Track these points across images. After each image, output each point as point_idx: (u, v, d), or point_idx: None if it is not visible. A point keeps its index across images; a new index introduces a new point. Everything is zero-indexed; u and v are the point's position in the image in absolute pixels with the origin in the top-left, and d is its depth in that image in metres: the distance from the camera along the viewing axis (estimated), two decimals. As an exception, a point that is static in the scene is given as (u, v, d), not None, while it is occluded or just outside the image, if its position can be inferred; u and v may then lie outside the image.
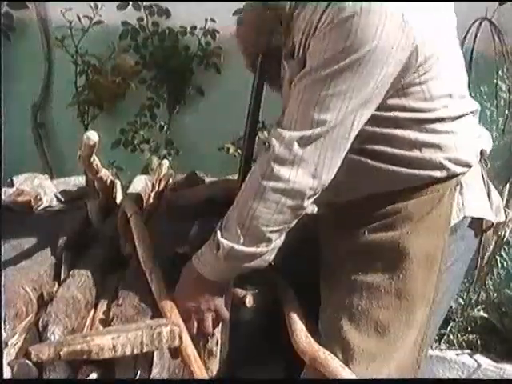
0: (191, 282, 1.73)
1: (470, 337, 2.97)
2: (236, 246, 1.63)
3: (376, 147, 1.68)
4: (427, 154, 1.68)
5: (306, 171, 1.58)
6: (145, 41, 3.89)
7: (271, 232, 1.63)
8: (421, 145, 1.68)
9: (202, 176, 2.56)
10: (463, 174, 1.73)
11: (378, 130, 1.66)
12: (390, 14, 1.51)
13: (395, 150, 1.68)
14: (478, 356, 2.93)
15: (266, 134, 3.57)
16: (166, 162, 2.84)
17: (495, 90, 3.05)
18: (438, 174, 1.70)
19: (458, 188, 1.73)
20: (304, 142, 1.57)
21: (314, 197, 1.62)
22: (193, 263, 1.72)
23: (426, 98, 1.65)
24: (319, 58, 1.56)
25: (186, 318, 1.71)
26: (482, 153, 1.81)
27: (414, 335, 1.73)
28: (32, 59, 4.15)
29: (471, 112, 1.78)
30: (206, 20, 3.73)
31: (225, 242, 1.64)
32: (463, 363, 2.91)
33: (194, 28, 3.80)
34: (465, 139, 1.73)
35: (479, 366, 2.89)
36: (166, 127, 3.93)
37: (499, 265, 2.90)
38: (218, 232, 1.66)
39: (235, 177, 2.05)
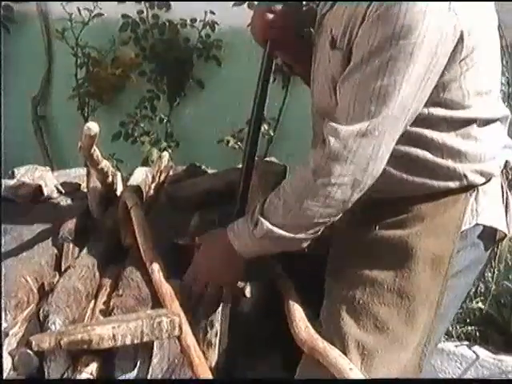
0: (219, 249, 1.74)
1: (469, 328, 2.97)
2: (276, 230, 1.63)
3: (402, 148, 1.65)
4: (451, 163, 1.67)
5: (358, 166, 1.56)
6: (145, 33, 3.90)
7: (315, 223, 1.62)
8: (447, 150, 1.66)
9: (202, 168, 2.56)
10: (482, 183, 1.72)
11: (408, 128, 1.62)
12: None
13: (420, 152, 1.66)
14: (476, 347, 2.92)
15: (266, 126, 3.58)
16: (166, 154, 2.85)
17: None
18: (456, 184, 1.68)
19: (474, 194, 1.71)
20: (360, 135, 1.54)
21: (362, 191, 1.60)
22: (226, 232, 1.72)
23: (464, 94, 1.63)
24: (369, 48, 1.53)
25: (199, 282, 1.76)
26: (505, 164, 1.78)
27: (417, 338, 1.72)
28: (32, 52, 4.15)
29: (501, 118, 1.76)
30: (206, 12, 3.74)
31: (265, 223, 1.63)
32: (462, 355, 2.91)
33: (193, 20, 3.80)
34: (491, 149, 1.71)
35: (477, 357, 2.89)
36: (166, 119, 3.95)
37: (498, 256, 2.90)
38: (259, 210, 1.66)
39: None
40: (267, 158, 2.82)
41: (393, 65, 1.51)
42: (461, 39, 1.54)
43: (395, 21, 1.49)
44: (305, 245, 1.68)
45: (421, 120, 1.63)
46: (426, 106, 1.61)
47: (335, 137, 1.56)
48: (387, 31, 1.50)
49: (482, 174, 1.70)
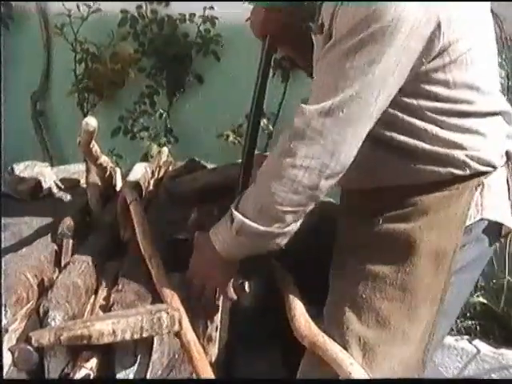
0: (204, 253, 1.73)
1: (469, 322, 2.97)
2: (248, 222, 1.61)
3: (398, 138, 1.65)
4: (448, 151, 1.65)
5: (324, 148, 1.54)
6: (144, 28, 3.90)
7: (285, 212, 1.59)
8: (441, 141, 1.64)
9: (202, 163, 2.56)
10: (486, 174, 1.70)
11: (400, 117, 1.63)
12: None
13: (417, 142, 1.64)
14: (476, 342, 2.93)
15: (265, 121, 3.58)
16: (165, 150, 2.85)
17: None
18: (459, 172, 1.67)
19: (479, 188, 1.69)
20: (323, 114, 1.53)
21: (332, 180, 1.58)
22: (209, 233, 1.70)
23: (450, 87, 1.61)
24: (344, 29, 1.53)
25: (195, 285, 1.76)
26: (508, 155, 1.76)
27: (419, 333, 1.70)
28: (31, 47, 4.15)
29: (500, 113, 1.74)
30: (205, 7, 3.73)
31: (238, 216, 1.62)
32: (462, 349, 2.91)
33: (193, 15, 3.80)
34: (490, 140, 1.70)
35: (478, 351, 2.90)
36: (165, 115, 3.94)
37: (498, 250, 2.90)
38: (235, 204, 1.65)
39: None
40: (267, 153, 2.81)
41: (363, 47, 1.50)
42: (438, 27, 1.53)
43: (369, 5, 1.49)
44: (282, 242, 1.65)
45: (412, 111, 1.63)
46: (414, 97, 1.61)
47: (299, 116, 1.55)
48: (361, 14, 1.50)
49: (480, 161, 1.68)
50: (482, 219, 1.72)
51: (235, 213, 1.63)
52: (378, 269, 1.69)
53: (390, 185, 1.71)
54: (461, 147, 1.66)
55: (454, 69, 1.60)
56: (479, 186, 1.70)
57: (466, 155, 1.66)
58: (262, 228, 1.61)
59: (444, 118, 1.64)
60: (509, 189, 1.79)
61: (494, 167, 1.71)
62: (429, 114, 1.63)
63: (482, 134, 1.68)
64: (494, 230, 1.76)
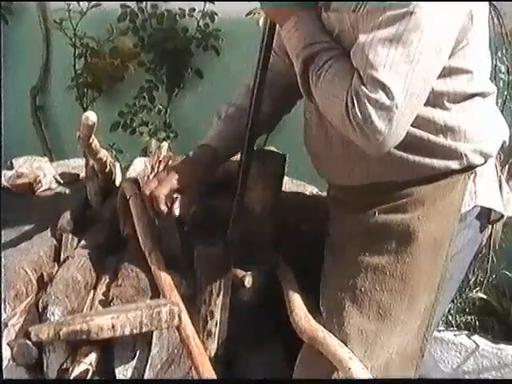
0: None
1: (468, 318, 2.98)
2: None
3: None
4: (451, 142, 1.65)
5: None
6: (143, 23, 3.88)
7: None
8: (446, 129, 1.64)
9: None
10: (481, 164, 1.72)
11: None
12: None
13: (423, 133, 1.64)
14: (475, 337, 2.93)
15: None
16: (165, 145, 2.84)
17: (494, 71, 3.03)
18: (457, 165, 1.67)
19: (472, 176, 1.71)
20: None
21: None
22: None
23: (461, 69, 1.62)
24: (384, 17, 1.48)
25: None
26: (502, 144, 1.78)
27: (417, 322, 1.72)
28: (31, 42, 4.15)
29: (492, 93, 1.76)
30: (205, 2, 3.73)
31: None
32: (461, 344, 2.92)
33: (192, 10, 3.79)
34: (487, 127, 1.72)
35: (477, 346, 2.90)
36: (164, 110, 3.94)
37: (497, 246, 2.90)
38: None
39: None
40: (266, 147, 2.81)
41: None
42: (470, 15, 1.55)
43: None
44: None
45: None
46: None
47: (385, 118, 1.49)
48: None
49: (481, 154, 1.69)
50: (475, 206, 1.73)
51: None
52: (377, 260, 1.70)
53: (384, 181, 1.71)
54: (464, 135, 1.66)
55: (467, 50, 1.61)
56: (472, 174, 1.71)
57: (469, 149, 1.67)
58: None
59: (450, 100, 1.64)
60: (497, 174, 1.81)
61: (489, 158, 1.73)
62: (436, 99, 1.63)
63: (481, 117, 1.70)
64: (484, 215, 1.78)
